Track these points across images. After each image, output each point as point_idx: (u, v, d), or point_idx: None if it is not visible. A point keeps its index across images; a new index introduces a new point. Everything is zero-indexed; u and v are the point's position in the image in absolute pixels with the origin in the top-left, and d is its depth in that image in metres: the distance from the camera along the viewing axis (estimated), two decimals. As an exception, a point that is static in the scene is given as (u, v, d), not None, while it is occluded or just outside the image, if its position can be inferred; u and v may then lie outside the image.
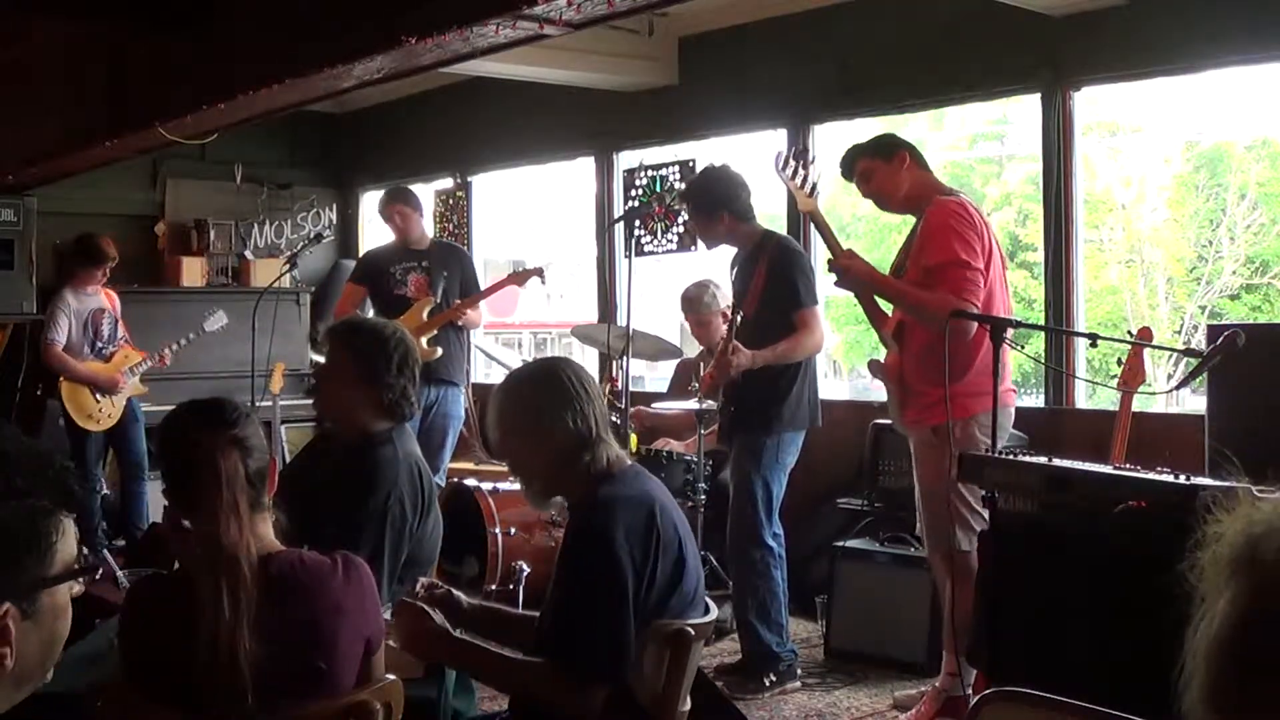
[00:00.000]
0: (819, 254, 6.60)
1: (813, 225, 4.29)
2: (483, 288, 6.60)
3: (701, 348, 6.39)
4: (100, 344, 6.79)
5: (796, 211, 6.51)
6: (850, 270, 4.23)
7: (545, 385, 2.64)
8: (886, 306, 4.38)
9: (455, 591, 2.80)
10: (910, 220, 4.41)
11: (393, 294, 6.25)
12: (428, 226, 6.91)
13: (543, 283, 6.62)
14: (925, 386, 4.13)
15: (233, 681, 2.02)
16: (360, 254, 7.78)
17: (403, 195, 6.50)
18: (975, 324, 4.00)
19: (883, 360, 4.39)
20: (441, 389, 6.18)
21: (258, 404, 6.37)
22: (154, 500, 6.59)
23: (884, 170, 4.29)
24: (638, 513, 2.52)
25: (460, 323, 6.33)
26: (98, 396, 6.69)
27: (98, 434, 6.77)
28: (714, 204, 4.83)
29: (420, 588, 2.77)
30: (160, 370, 6.89)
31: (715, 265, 6.25)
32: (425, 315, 6.18)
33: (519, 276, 6.53)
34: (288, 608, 2.10)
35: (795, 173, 4.30)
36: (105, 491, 7.06)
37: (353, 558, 2.27)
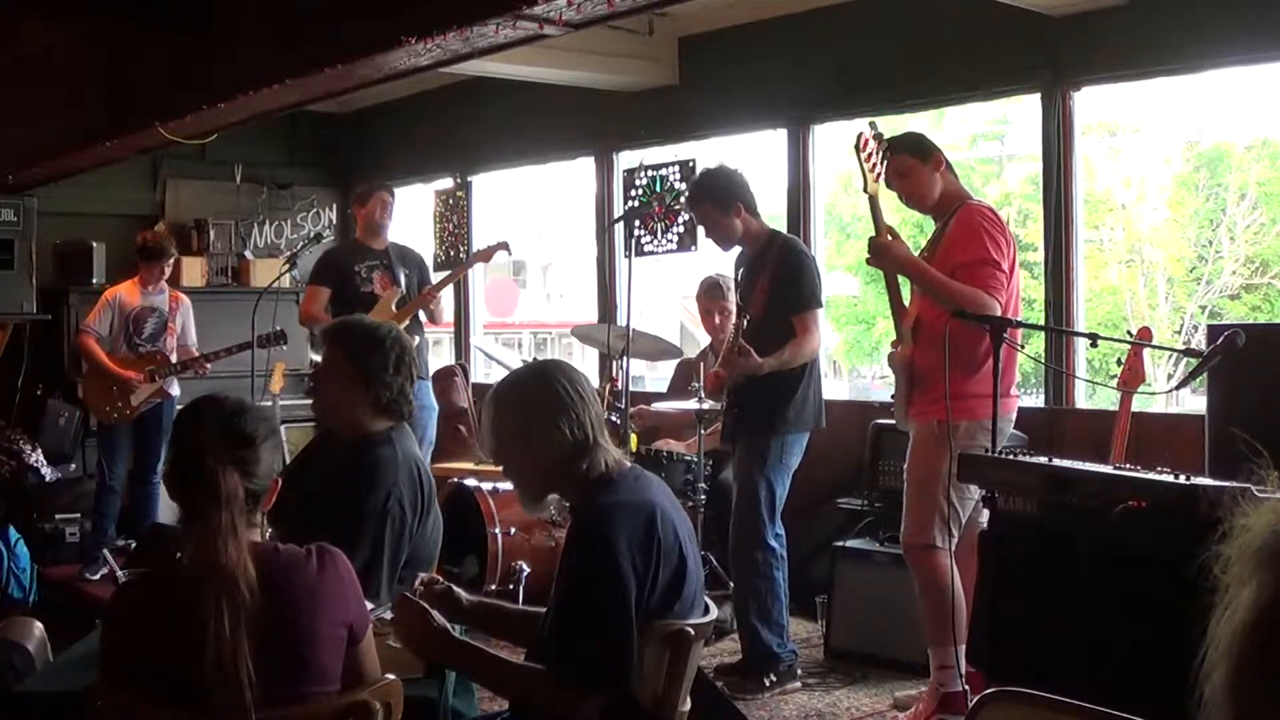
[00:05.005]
0: (822, 255, 6.60)
1: (869, 206, 4.30)
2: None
3: (704, 346, 6.39)
4: (138, 341, 6.81)
5: (798, 212, 6.53)
6: (887, 251, 4.25)
7: (539, 393, 2.62)
8: (907, 299, 4.41)
9: (455, 588, 2.79)
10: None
11: (359, 292, 6.27)
12: (429, 227, 6.96)
13: (509, 254, 6.68)
14: (937, 381, 4.15)
15: (234, 691, 2.04)
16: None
17: (388, 186, 6.65)
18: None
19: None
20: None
21: (258, 404, 6.37)
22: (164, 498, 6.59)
23: (921, 170, 4.33)
24: (638, 520, 2.50)
25: (431, 311, 6.39)
26: (114, 389, 6.72)
27: (125, 429, 6.78)
28: (728, 195, 4.83)
29: (419, 583, 2.76)
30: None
31: (714, 265, 6.25)
32: (394, 308, 6.21)
33: (484, 254, 6.63)
34: (264, 597, 2.10)
35: (871, 155, 4.28)
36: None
37: (327, 547, 2.27)
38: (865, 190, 4.27)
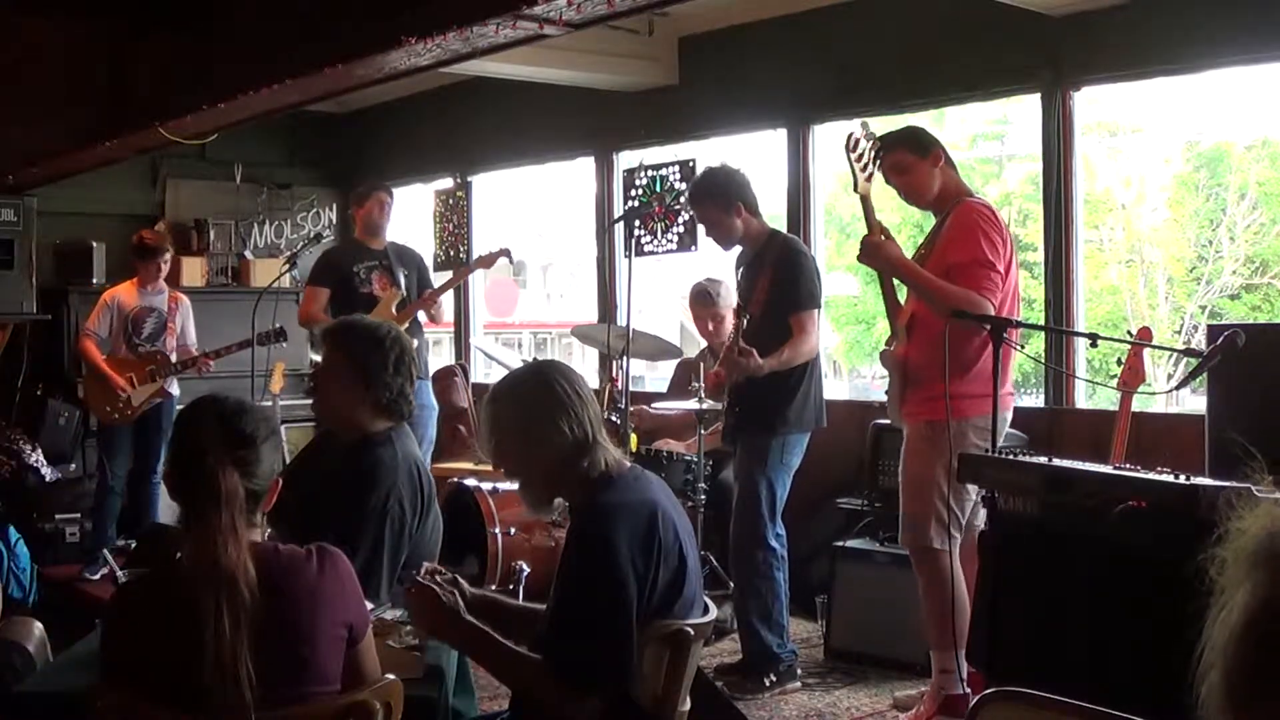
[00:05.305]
0: (821, 255, 6.59)
1: (860, 206, 4.26)
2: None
3: (703, 347, 6.39)
4: (138, 341, 6.82)
5: (798, 212, 6.53)
6: (879, 249, 4.22)
7: (537, 392, 2.62)
8: (902, 298, 4.39)
9: (459, 578, 2.79)
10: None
11: (359, 293, 6.27)
12: (429, 227, 6.92)
13: (510, 262, 6.68)
14: (929, 380, 4.14)
15: (234, 692, 2.04)
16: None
17: (387, 187, 6.66)
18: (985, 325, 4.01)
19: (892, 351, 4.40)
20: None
21: (258, 404, 6.37)
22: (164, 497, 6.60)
23: (919, 166, 4.30)
24: (639, 520, 2.51)
25: (432, 313, 6.40)
26: (114, 389, 6.74)
27: (125, 429, 6.79)
28: (727, 194, 4.82)
29: (424, 571, 2.76)
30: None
31: (715, 265, 6.24)
32: (394, 309, 6.21)
33: (486, 260, 6.60)
34: (264, 597, 2.10)
35: (862, 155, 4.25)
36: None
37: (327, 547, 2.27)
38: (855, 190, 4.25)
